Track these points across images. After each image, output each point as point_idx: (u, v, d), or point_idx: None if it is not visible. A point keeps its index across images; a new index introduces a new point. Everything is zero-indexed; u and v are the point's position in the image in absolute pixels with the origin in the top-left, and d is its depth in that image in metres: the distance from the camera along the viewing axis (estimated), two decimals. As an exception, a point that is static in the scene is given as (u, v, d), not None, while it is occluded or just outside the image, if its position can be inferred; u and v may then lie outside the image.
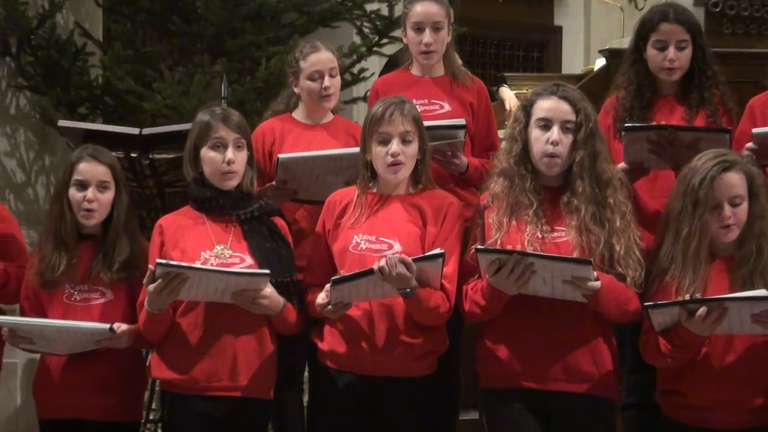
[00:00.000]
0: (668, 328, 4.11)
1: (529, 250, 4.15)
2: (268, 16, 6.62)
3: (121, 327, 4.34)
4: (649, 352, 4.20)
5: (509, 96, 6.99)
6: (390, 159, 4.34)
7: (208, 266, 4.27)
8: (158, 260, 4.24)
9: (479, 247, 4.16)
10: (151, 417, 5.31)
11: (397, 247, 4.29)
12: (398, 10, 6.47)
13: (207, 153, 4.40)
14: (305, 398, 5.17)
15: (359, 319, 4.31)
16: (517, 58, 10.86)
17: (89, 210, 4.48)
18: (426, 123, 4.53)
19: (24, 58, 6.61)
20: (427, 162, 4.46)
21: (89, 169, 4.49)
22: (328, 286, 4.24)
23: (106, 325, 4.30)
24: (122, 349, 4.43)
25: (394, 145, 4.33)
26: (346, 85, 6.17)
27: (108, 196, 4.51)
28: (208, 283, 4.22)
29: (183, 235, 4.35)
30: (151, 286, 4.17)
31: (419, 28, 5.14)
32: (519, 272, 4.06)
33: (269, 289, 4.28)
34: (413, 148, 4.37)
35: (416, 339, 4.31)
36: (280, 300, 4.33)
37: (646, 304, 4.10)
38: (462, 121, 4.96)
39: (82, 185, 4.48)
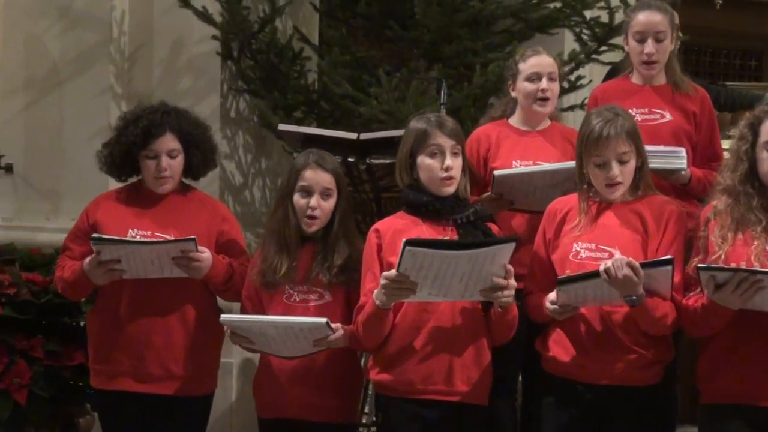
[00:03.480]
0: None
1: (756, 264, 4.04)
2: (485, 23, 6.58)
3: (336, 326, 4.38)
4: None
5: None
6: (608, 181, 4.30)
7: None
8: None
9: (701, 265, 4.07)
10: (363, 420, 5.34)
11: (617, 255, 4.23)
12: (619, 17, 6.40)
13: (424, 160, 4.40)
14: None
15: (585, 327, 4.28)
16: (734, 67, 10.59)
17: (312, 217, 4.54)
18: (648, 148, 4.47)
19: (244, 62, 6.72)
20: (645, 169, 4.40)
21: (314, 176, 4.54)
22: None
23: (323, 319, 4.34)
24: (340, 352, 4.48)
25: (613, 169, 4.29)
26: (563, 92, 6.08)
27: (330, 203, 4.56)
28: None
29: (399, 239, 4.30)
30: (387, 283, 4.18)
31: (641, 39, 5.06)
32: (744, 288, 3.95)
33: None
34: (631, 166, 4.33)
35: (643, 348, 4.26)
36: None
37: None
38: (682, 153, 4.85)
39: (307, 192, 4.54)
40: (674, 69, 5.19)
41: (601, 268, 4.11)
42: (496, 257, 4.13)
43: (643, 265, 4.11)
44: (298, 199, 4.56)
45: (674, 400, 4.90)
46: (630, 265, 4.08)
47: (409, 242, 4.08)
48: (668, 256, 4.16)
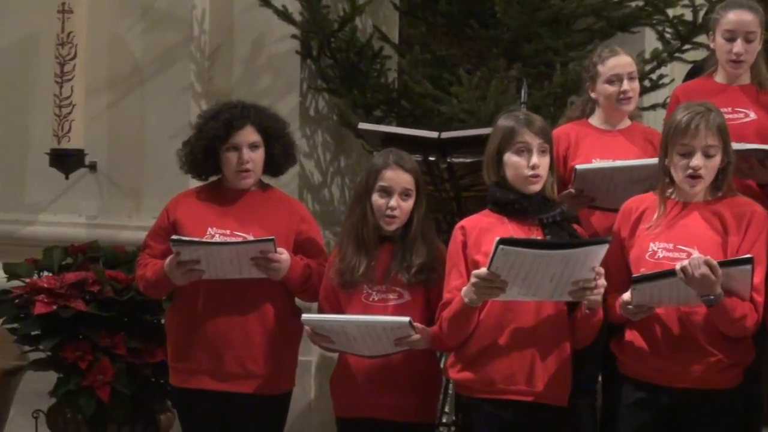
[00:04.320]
0: None
1: None
2: (565, 21, 6.55)
3: (418, 326, 4.38)
4: None
5: None
6: (690, 171, 4.24)
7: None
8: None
9: None
10: (443, 420, 5.33)
11: (696, 255, 4.17)
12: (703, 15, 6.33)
13: (511, 158, 4.38)
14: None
15: (661, 329, 4.23)
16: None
17: (391, 217, 4.53)
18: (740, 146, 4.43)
19: (324, 60, 6.73)
20: (729, 170, 4.34)
21: (394, 176, 4.53)
22: None
23: (406, 318, 4.34)
24: (418, 351, 4.47)
25: (696, 159, 4.23)
26: (644, 91, 6.05)
27: (410, 203, 4.55)
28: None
29: (485, 237, 4.33)
30: (477, 281, 4.16)
31: (731, 37, 5.00)
32: None
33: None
34: (715, 161, 4.27)
35: (722, 350, 4.21)
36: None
37: None
38: None
39: (387, 192, 4.54)
40: (760, 69, 5.13)
41: (678, 267, 4.06)
42: (589, 258, 4.11)
43: (722, 264, 4.07)
44: (377, 198, 4.55)
45: (757, 402, 4.86)
46: (708, 264, 4.03)
47: (503, 241, 4.06)
48: (748, 255, 4.10)
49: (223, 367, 4.77)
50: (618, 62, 5.09)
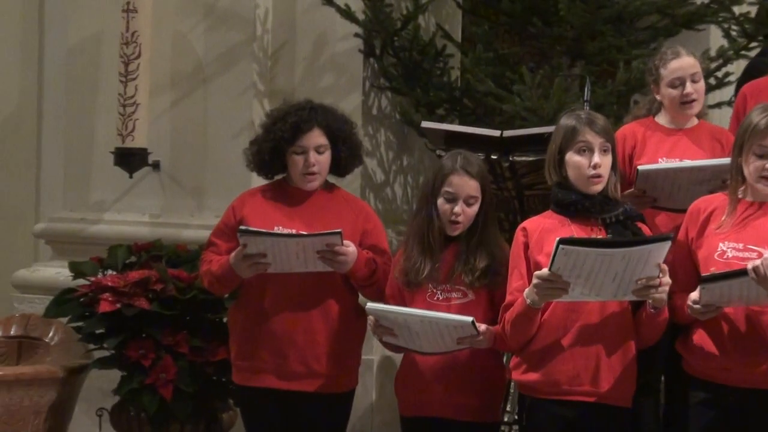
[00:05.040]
0: None
1: None
2: (629, 19, 6.50)
3: (481, 326, 4.37)
4: None
5: None
6: (765, 173, 4.19)
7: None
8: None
9: None
10: (505, 419, 5.32)
11: (767, 255, 4.11)
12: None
13: (572, 157, 4.35)
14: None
15: (729, 328, 4.19)
16: None
17: (456, 222, 4.52)
18: None
19: (387, 59, 6.72)
20: None
21: (460, 183, 4.52)
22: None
23: (468, 318, 4.33)
24: (483, 351, 4.47)
25: None
26: (710, 89, 5.98)
27: (475, 208, 4.54)
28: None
29: (547, 239, 4.31)
30: (539, 283, 4.15)
31: None
32: None
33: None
34: None
35: None
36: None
37: None
38: None
39: (452, 198, 4.53)
40: None
41: (749, 266, 4.02)
42: (651, 256, 4.06)
43: None
44: (442, 203, 4.55)
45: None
46: None
47: (563, 241, 4.04)
48: None
49: (287, 366, 4.79)
50: (680, 64, 5.03)
